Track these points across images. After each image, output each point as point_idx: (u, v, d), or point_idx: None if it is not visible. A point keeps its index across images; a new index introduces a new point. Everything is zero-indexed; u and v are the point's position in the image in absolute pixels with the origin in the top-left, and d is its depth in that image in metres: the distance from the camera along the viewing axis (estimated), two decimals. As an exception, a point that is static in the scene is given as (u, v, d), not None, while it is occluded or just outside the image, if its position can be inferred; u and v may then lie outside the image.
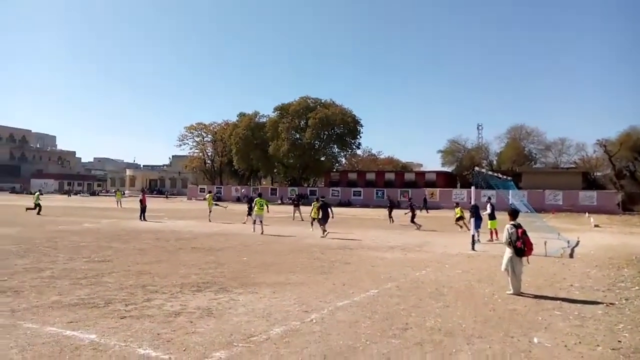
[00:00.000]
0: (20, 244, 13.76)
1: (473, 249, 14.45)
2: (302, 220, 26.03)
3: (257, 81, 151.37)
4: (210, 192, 31.86)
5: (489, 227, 17.33)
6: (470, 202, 16.47)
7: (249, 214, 23.38)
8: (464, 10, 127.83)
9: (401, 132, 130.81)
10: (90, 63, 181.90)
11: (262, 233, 18.49)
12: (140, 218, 24.81)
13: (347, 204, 52.53)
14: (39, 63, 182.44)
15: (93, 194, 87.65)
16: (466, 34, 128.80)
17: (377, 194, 52.88)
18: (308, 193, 50.05)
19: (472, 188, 16.76)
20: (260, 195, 20.59)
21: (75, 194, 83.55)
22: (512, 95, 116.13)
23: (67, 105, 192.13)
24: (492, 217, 17.42)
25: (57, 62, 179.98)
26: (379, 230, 22.11)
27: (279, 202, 56.92)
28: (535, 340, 5.58)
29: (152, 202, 43.76)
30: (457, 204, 22.17)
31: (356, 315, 6.61)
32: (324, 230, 18.37)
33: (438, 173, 60.09)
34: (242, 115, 69.80)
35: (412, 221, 22.71)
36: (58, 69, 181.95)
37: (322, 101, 63.90)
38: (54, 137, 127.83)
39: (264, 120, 66.41)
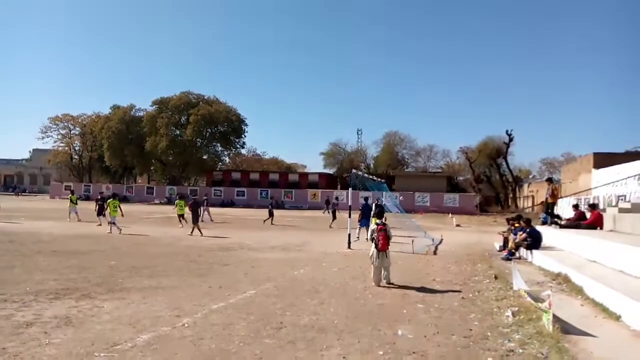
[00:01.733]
0: None
1: (349, 247, 15.12)
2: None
3: (134, 72, 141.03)
4: (72, 191, 28.36)
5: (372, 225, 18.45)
6: (348, 203, 17.21)
7: (100, 214, 21.85)
8: (347, 13, 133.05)
9: (287, 134, 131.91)
10: None
11: (120, 233, 18.02)
12: (-10, 219, 22.02)
13: (231, 204, 51.68)
14: None
15: None
16: (348, 36, 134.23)
17: (261, 194, 52.79)
18: (188, 192, 48.16)
19: (349, 189, 17.55)
20: (114, 196, 19.97)
21: None
22: (389, 102, 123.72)
23: None
24: (378, 215, 18.58)
25: None
26: (262, 230, 22.08)
27: (157, 201, 54.12)
28: (400, 332, 5.98)
29: (5, 201, 38.97)
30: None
31: (231, 318, 6.50)
32: (198, 229, 18.31)
33: (320, 174, 61.79)
34: (115, 107, 64.78)
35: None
36: None
37: (205, 97, 61.90)
38: None
39: (141, 114, 62.43)
